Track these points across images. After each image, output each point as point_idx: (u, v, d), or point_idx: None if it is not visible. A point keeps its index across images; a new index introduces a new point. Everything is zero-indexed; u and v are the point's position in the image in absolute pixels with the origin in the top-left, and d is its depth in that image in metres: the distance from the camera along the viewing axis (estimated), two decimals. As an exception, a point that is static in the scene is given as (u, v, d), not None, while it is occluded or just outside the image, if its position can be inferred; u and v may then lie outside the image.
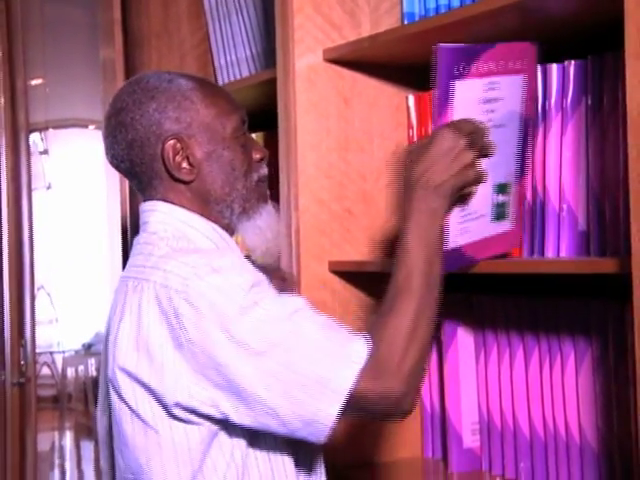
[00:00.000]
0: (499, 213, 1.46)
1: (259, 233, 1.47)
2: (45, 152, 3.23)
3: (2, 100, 3.14)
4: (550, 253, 1.47)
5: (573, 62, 1.45)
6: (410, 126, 1.73)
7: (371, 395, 1.24)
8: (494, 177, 1.41)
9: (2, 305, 3.15)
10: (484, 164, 1.35)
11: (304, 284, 1.64)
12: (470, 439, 1.64)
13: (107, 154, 1.49)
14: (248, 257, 1.47)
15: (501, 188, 1.45)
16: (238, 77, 2.14)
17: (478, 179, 1.34)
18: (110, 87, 2.48)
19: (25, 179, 3.10)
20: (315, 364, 1.24)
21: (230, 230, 1.47)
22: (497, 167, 1.41)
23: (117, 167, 1.49)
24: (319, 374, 1.24)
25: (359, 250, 1.70)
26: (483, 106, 1.37)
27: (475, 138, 1.32)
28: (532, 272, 1.46)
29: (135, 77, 1.51)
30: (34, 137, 3.17)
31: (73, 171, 3.19)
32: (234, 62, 2.19)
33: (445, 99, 1.33)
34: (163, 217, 1.44)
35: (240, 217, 1.45)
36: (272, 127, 2.02)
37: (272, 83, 1.73)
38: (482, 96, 1.37)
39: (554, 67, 1.47)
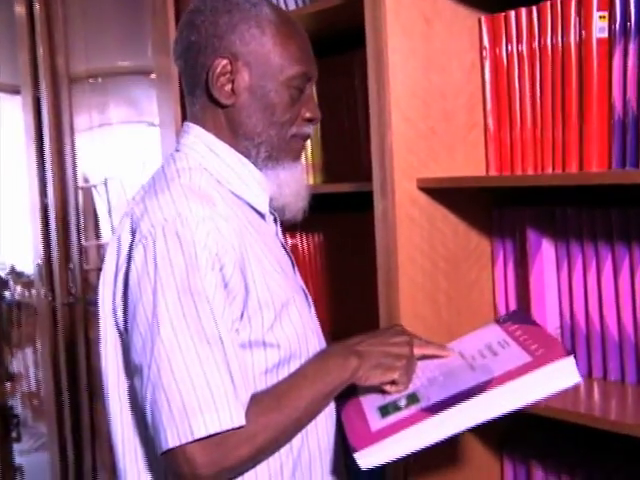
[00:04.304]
0: (385, 412, 1.18)
1: (278, 185, 1.25)
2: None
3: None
4: (644, 165, 1.27)
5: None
6: (483, 47, 1.50)
7: (189, 459, 1.06)
8: (420, 387, 1.19)
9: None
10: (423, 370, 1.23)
11: (397, 202, 1.43)
12: (553, 342, 1.45)
13: (172, 48, 1.28)
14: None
15: (411, 398, 1.18)
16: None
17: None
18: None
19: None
20: (188, 396, 1.05)
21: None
22: (430, 384, 1.19)
23: (175, 62, 1.27)
24: (182, 404, 1.05)
25: (442, 167, 1.50)
26: (482, 348, 1.23)
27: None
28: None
29: None
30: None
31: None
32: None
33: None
34: (193, 140, 1.24)
35: (265, 162, 1.23)
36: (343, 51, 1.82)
37: (352, 5, 1.48)
38: (491, 342, 1.24)
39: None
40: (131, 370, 1.13)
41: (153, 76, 2.30)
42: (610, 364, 1.39)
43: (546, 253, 1.45)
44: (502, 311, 1.56)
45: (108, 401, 1.19)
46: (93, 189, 2.85)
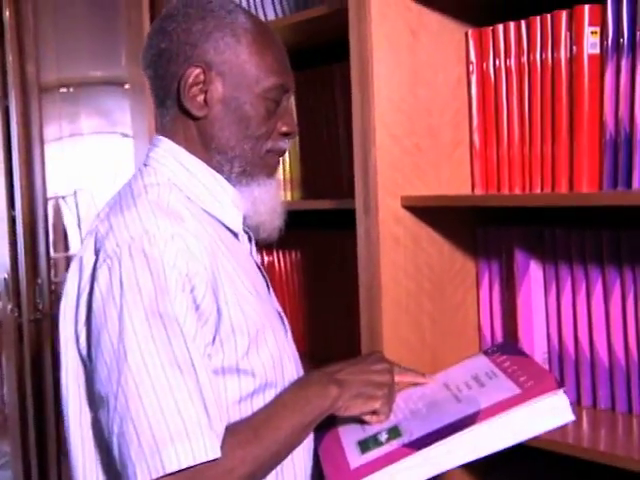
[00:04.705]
0: (366, 447, 1.09)
1: (253, 202, 1.16)
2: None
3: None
4: (637, 186, 1.21)
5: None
6: (469, 62, 1.44)
7: None
8: (402, 420, 1.11)
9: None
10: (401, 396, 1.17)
11: (381, 220, 1.36)
12: (541, 368, 1.39)
13: (142, 55, 1.19)
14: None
15: (393, 432, 1.09)
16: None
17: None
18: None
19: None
20: (159, 427, 0.96)
21: None
22: (413, 416, 1.11)
23: (144, 71, 1.18)
24: (152, 435, 0.96)
25: (427, 185, 1.43)
26: (469, 379, 1.15)
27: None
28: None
29: None
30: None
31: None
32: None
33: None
34: (162, 154, 1.15)
35: (239, 178, 1.15)
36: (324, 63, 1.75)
37: (336, 16, 1.41)
38: (478, 373, 1.15)
39: (644, -4, 1.20)
40: (95, 401, 1.05)
41: (127, 87, 2.22)
42: (600, 392, 1.33)
43: (534, 275, 1.39)
44: (487, 334, 1.50)
45: (69, 433, 1.10)
46: (62, 200, 2.76)
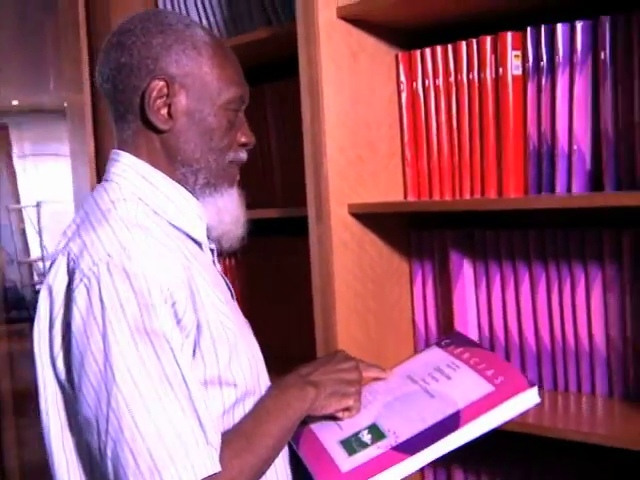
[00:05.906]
0: (351, 448, 1.09)
1: (217, 213, 1.14)
2: None
3: None
4: (559, 190, 1.30)
5: (582, 22, 1.28)
6: (400, 81, 1.50)
7: None
8: (378, 417, 1.12)
9: None
10: (378, 394, 1.18)
11: (333, 227, 1.39)
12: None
13: (97, 70, 1.13)
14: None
15: (374, 431, 1.10)
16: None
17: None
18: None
19: None
20: (156, 447, 0.92)
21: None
22: (389, 413, 1.13)
23: (100, 86, 1.13)
24: (150, 456, 0.91)
25: (369, 193, 1.48)
26: (432, 371, 1.18)
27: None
28: (560, 207, 1.25)
29: (155, 9, 1.15)
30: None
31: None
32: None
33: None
34: (124, 169, 1.10)
35: (203, 189, 1.12)
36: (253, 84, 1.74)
37: (282, 38, 1.45)
38: (440, 365, 1.19)
39: (559, 26, 1.29)
40: (80, 424, 0.98)
41: (61, 111, 2.13)
42: (529, 373, 1.41)
43: (467, 273, 1.46)
44: (421, 328, 1.56)
45: (52, 458, 1.03)
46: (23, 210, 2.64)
